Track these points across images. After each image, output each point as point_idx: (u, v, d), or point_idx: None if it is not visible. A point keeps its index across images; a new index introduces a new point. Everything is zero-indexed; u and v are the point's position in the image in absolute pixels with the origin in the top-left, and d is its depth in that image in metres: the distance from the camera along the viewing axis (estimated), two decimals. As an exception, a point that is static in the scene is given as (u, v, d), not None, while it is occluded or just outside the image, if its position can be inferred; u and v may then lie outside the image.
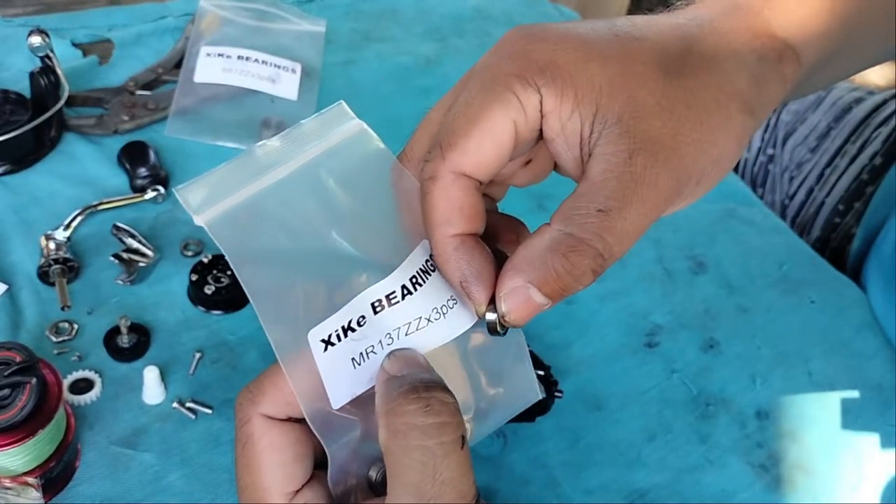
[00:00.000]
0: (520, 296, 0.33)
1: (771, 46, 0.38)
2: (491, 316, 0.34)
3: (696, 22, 0.38)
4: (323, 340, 0.33)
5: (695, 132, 0.35)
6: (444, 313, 0.35)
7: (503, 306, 0.33)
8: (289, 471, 0.35)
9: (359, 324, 0.33)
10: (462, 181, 0.35)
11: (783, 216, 0.88)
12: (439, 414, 0.32)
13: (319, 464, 0.36)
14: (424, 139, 0.38)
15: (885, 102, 0.86)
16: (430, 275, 0.35)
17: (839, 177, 0.84)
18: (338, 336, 0.33)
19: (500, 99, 0.34)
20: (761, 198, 0.91)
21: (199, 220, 0.32)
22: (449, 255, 0.34)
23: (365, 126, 0.37)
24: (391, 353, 0.34)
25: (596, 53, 0.35)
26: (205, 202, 0.33)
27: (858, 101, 0.87)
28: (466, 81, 0.37)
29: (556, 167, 0.39)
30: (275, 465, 0.35)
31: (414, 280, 0.34)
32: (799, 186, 0.87)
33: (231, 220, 0.33)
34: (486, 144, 0.34)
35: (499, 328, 0.34)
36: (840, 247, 0.84)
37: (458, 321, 0.35)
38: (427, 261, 0.35)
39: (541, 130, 0.35)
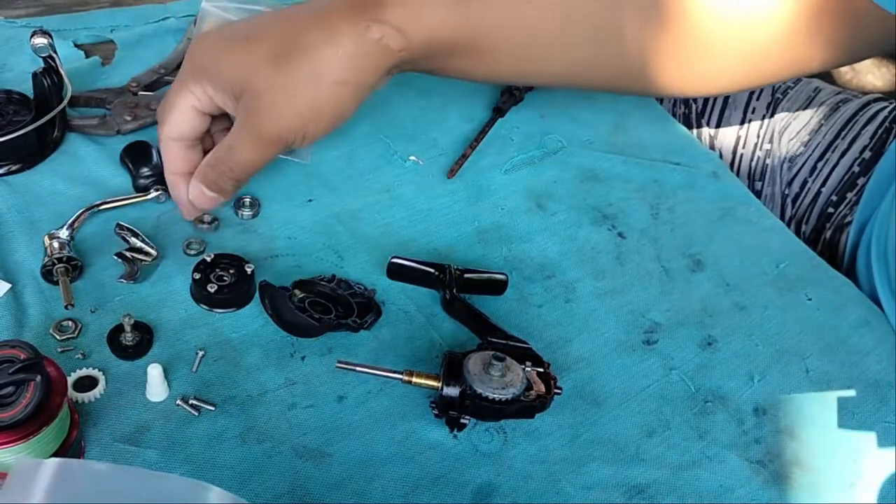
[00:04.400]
0: (196, 190, 0.61)
1: (372, 27, 0.58)
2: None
3: (312, 13, 0.59)
4: None
5: (287, 91, 0.57)
6: None
7: (191, 196, 0.61)
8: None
9: None
10: (174, 141, 0.61)
11: (783, 206, 0.91)
12: None
13: None
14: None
15: (868, 104, 0.90)
16: None
17: (832, 169, 0.88)
18: None
19: (181, 92, 0.60)
20: (761, 191, 0.93)
21: None
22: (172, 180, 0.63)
23: None
24: None
25: (230, 58, 0.58)
26: None
27: (845, 101, 0.91)
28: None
29: None
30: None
31: None
32: (794, 178, 0.90)
33: None
34: (178, 121, 0.60)
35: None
36: (834, 237, 0.86)
37: None
38: None
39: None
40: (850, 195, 0.86)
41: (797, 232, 0.89)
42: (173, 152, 0.61)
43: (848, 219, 0.85)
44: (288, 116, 0.58)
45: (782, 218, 0.91)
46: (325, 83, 0.57)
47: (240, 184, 0.60)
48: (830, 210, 0.87)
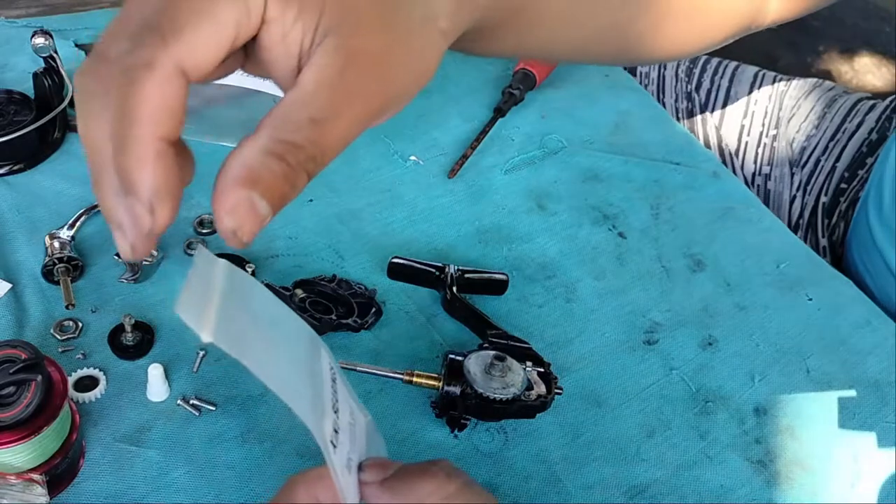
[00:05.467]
0: (245, 207, 0.31)
1: None
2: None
3: None
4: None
5: (404, 49, 0.36)
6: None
7: (231, 222, 0.31)
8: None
9: None
10: (181, 78, 0.31)
11: (791, 182, 0.97)
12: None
13: None
14: (123, 35, 0.32)
15: (861, 100, 0.98)
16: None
17: (843, 149, 0.94)
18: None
19: None
20: (769, 174, 0.99)
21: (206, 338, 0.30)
22: (150, 160, 0.31)
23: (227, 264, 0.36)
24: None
25: None
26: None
27: (840, 95, 0.99)
28: None
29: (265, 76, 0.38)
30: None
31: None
32: (807, 158, 0.96)
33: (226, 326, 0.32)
34: (212, 40, 0.32)
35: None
36: (849, 210, 0.92)
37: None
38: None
39: (254, 39, 0.34)
40: (860, 172, 0.92)
41: (816, 202, 0.95)
42: (171, 93, 0.31)
43: (860, 193, 0.90)
44: (402, 73, 0.37)
45: (791, 191, 0.97)
46: (435, 31, 0.38)
47: (310, 177, 0.36)
48: (844, 185, 0.93)
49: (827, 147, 0.95)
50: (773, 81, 1.01)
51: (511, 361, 0.56)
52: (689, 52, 0.68)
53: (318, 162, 0.34)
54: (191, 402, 0.56)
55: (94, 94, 0.31)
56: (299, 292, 0.61)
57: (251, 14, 0.33)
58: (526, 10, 0.47)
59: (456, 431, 0.57)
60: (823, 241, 0.94)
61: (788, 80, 1.02)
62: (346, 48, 0.34)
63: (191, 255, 0.65)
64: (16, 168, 0.70)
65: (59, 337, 0.58)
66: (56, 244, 0.62)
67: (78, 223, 0.65)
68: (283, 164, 0.32)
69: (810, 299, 0.70)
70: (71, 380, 0.55)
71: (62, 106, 0.71)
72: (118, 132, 0.31)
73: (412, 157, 0.77)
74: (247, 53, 0.35)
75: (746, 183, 0.97)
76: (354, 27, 0.34)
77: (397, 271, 0.65)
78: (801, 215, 0.95)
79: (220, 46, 0.32)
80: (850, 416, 0.62)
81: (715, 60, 1.04)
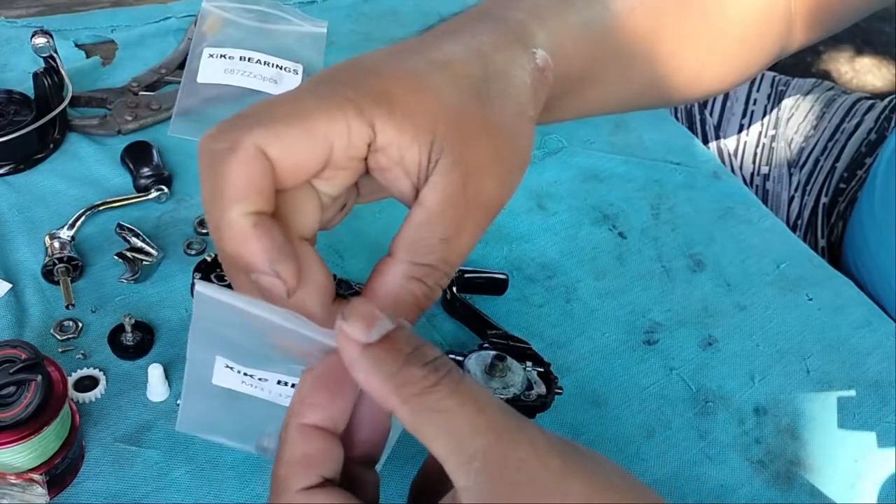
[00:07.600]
0: (386, 319, 0.32)
1: (537, 53, 0.42)
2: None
3: (484, 41, 0.40)
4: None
5: (509, 148, 0.38)
6: None
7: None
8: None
9: None
10: (265, 161, 0.33)
11: (790, 183, 0.98)
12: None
13: None
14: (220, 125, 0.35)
15: (859, 100, 0.98)
16: None
17: (842, 149, 0.95)
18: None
19: (329, 114, 0.33)
20: (768, 174, 0.99)
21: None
22: (249, 233, 0.32)
23: None
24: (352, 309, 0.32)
25: (424, 84, 0.36)
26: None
27: (841, 94, 1.00)
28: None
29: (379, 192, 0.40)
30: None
31: None
32: (806, 158, 0.96)
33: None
34: (300, 142, 0.33)
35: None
36: (847, 210, 0.92)
37: None
38: None
39: (365, 164, 0.36)
40: (859, 173, 0.93)
41: (816, 203, 0.96)
42: (255, 171, 0.33)
43: (858, 194, 0.90)
44: (511, 171, 0.38)
45: (790, 191, 0.97)
46: (527, 122, 0.40)
47: (442, 289, 0.38)
48: (843, 185, 0.94)
49: (826, 147, 0.95)
50: (772, 81, 1.01)
51: (511, 361, 0.56)
52: (732, 86, 0.70)
53: (449, 275, 0.36)
54: (191, 402, 0.56)
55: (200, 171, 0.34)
56: (299, 292, 0.61)
57: (351, 136, 0.34)
58: (585, 76, 0.48)
59: (456, 431, 0.57)
60: (822, 242, 0.94)
61: (787, 80, 1.02)
62: (463, 162, 0.35)
63: (191, 254, 0.65)
64: (16, 168, 0.70)
65: (59, 337, 0.58)
66: (56, 244, 0.62)
67: (78, 223, 0.65)
68: (423, 286, 0.36)
69: (810, 299, 0.70)
70: (71, 380, 0.55)
71: (62, 106, 0.71)
72: (212, 214, 0.33)
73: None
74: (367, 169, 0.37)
75: (745, 183, 0.97)
76: (465, 139, 0.36)
77: (397, 271, 0.64)
78: (799, 216, 0.95)
79: (310, 149, 0.33)
80: (850, 416, 0.62)
81: None
